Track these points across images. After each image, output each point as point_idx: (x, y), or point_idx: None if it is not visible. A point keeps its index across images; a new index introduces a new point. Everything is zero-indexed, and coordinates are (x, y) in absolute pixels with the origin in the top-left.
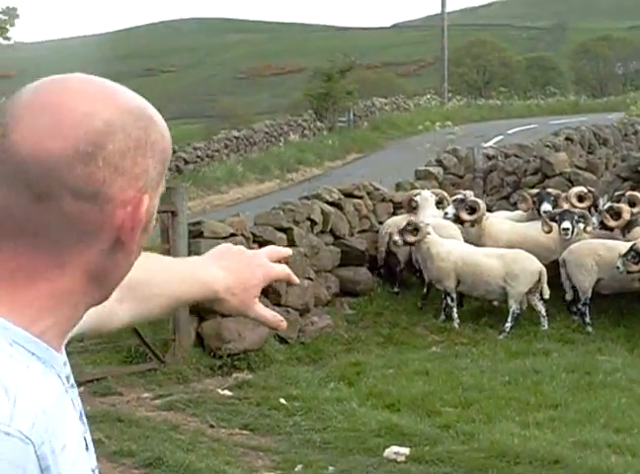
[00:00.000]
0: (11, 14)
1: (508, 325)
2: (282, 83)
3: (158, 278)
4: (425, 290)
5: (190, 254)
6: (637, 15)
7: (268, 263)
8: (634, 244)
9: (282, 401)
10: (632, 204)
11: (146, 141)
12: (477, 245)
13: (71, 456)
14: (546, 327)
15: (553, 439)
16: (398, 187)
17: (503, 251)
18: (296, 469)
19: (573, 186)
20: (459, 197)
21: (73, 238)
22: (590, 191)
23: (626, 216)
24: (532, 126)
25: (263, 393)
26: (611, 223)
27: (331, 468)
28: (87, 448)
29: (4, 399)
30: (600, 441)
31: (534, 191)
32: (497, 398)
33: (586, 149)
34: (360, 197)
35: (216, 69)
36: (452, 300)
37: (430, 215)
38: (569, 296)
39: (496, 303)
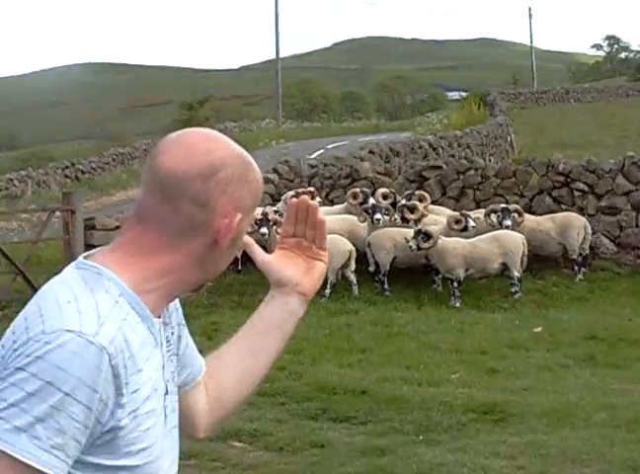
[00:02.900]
0: None
1: (327, 291)
2: (155, 112)
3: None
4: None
5: (86, 242)
6: (421, 59)
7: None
8: (421, 228)
9: None
10: (420, 200)
11: (245, 179)
12: None
13: (144, 379)
14: (356, 292)
15: (361, 376)
16: None
17: None
18: None
19: (375, 187)
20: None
21: (185, 231)
22: (392, 191)
23: (422, 210)
24: (345, 143)
25: None
26: (411, 216)
27: None
28: (167, 392)
29: (95, 321)
30: (396, 376)
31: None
32: (320, 346)
33: (384, 159)
34: None
35: (100, 103)
36: None
37: None
38: (372, 268)
39: None
